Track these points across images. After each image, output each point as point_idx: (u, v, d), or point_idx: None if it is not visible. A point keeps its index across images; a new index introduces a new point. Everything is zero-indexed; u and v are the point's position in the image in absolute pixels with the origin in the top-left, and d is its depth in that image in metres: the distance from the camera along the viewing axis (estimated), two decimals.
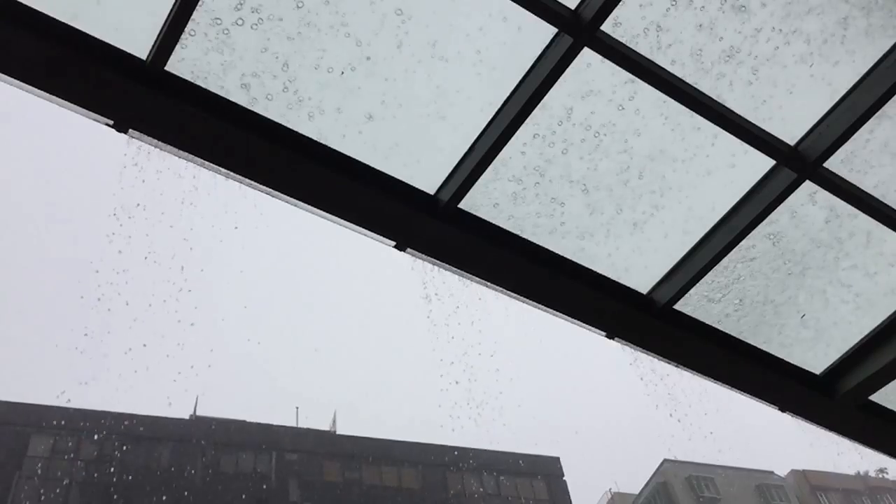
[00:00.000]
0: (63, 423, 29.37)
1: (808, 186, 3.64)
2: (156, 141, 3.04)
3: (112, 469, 29.36)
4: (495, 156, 3.35)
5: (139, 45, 2.88)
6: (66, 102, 2.86)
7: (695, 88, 3.29)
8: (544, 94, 3.19)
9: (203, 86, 3.01)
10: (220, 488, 31.28)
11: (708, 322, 4.10)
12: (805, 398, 4.41)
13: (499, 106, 3.27)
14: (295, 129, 3.17)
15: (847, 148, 3.52)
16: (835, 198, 3.70)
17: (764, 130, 3.45)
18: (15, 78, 2.76)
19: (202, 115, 3.01)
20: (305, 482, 33.30)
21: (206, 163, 3.13)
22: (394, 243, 3.48)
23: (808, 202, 3.73)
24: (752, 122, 3.42)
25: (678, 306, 3.98)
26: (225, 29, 2.92)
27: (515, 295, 3.75)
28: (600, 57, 3.15)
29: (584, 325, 3.91)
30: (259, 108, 3.11)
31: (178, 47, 2.89)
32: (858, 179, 3.66)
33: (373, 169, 3.32)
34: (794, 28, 3.21)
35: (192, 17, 2.83)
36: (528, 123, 3.29)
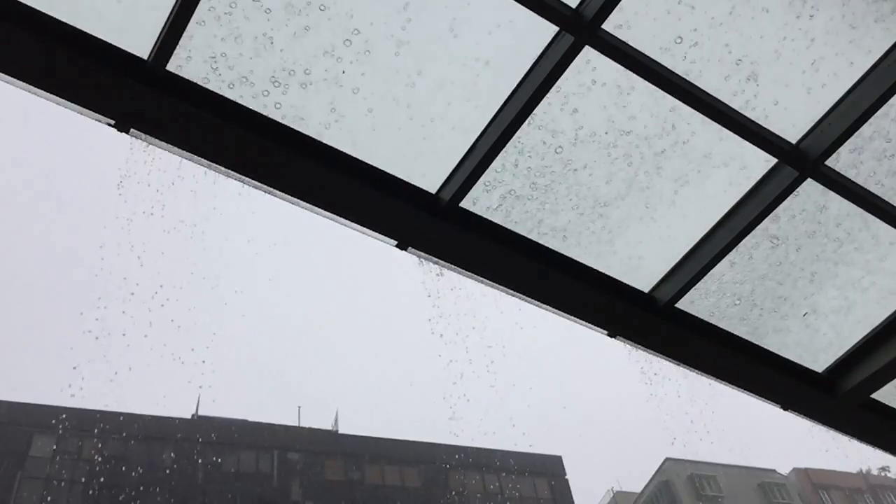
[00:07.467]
0: (65, 423, 29.39)
1: (809, 184, 3.64)
2: (157, 140, 3.04)
3: (114, 469, 29.38)
4: (496, 154, 3.35)
5: (140, 44, 2.89)
6: (67, 102, 2.86)
7: (696, 86, 3.29)
8: (546, 93, 3.19)
9: (204, 85, 3.01)
10: (222, 488, 31.30)
11: (709, 320, 4.11)
12: (807, 396, 4.41)
13: (500, 105, 3.27)
14: (296, 128, 3.18)
15: (849, 146, 3.52)
16: (836, 196, 3.70)
17: (765, 129, 3.45)
18: (16, 77, 2.76)
19: (203, 115, 3.01)
20: (307, 481, 33.33)
21: (208, 162, 3.13)
22: (395, 242, 3.48)
23: (810, 200, 3.73)
24: (754, 120, 3.42)
25: (680, 305, 3.98)
26: (226, 28, 2.92)
27: (517, 293, 3.75)
28: (601, 55, 3.15)
29: (585, 323, 3.91)
30: (260, 108, 3.11)
31: (179, 47, 2.89)
32: (860, 177, 3.66)
33: (374, 168, 3.32)
34: (796, 27, 3.21)
35: (193, 16, 2.83)
36: (529, 122, 3.29)
